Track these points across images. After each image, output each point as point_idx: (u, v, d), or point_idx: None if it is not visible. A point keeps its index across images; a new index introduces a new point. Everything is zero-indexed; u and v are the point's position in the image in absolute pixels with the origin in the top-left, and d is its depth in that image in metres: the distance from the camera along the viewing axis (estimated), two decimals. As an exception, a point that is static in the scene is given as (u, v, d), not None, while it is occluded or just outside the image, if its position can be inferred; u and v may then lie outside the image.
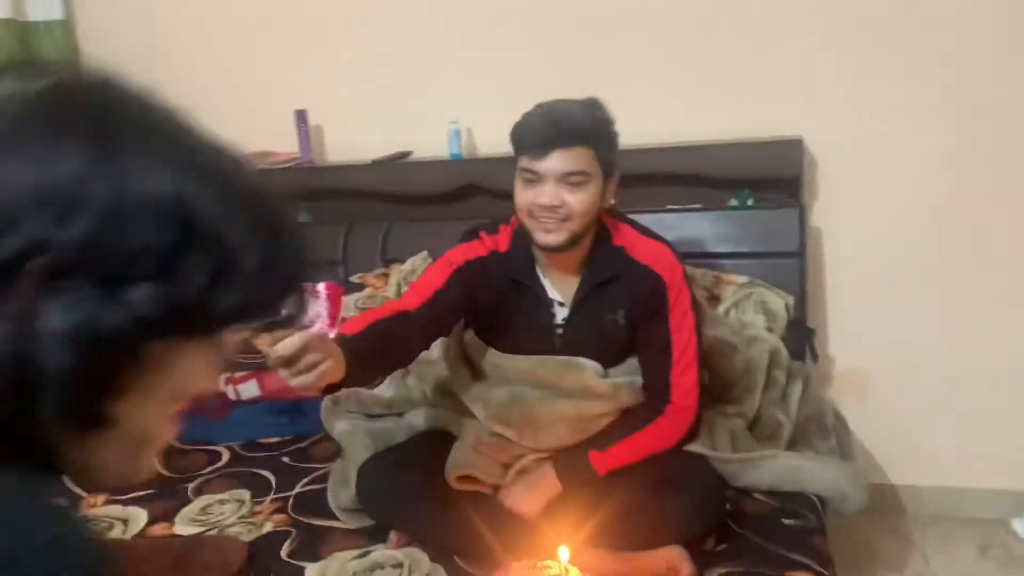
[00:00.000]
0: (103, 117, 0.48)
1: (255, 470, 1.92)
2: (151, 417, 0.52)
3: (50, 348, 0.44)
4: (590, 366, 1.67)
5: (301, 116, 2.58)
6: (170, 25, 2.68)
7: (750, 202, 2.33)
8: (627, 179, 2.37)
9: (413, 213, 2.58)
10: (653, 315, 1.63)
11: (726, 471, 1.64)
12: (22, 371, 0.44)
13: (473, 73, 2.53)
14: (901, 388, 2.41)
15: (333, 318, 2.27)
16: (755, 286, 2.17)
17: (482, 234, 1.69)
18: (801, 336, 2.19)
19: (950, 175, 2.27)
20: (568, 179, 1.51)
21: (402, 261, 2.48)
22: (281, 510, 1.74)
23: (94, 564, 0.40)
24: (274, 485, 1.85)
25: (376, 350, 1.45)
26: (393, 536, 1.58)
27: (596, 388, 1.66)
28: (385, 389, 1.96)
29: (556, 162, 1.50)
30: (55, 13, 2.74)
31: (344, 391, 1.87)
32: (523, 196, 1.55)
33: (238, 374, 2.09)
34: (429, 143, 2.53)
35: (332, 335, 1.47)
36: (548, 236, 1.55)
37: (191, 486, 1.85)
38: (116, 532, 1.68)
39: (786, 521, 1.58)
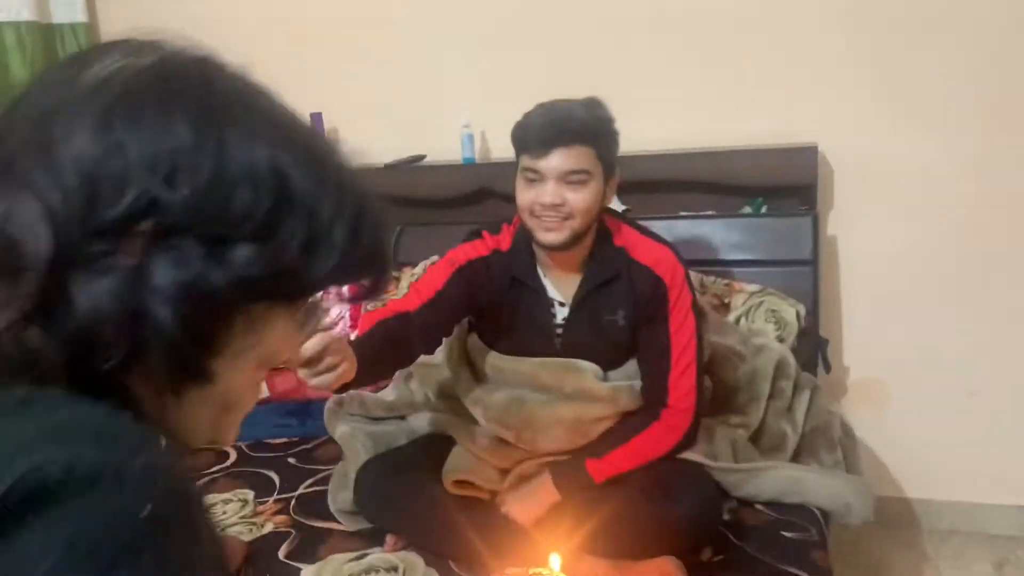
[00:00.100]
0: (206, 91, 0.51)
1: (260, 470, 1.94)
2: (241, 380, 0.55)
3: (159, 301, 0.46)
4: (589, 369, 1.66)
5: (316, 119, 2.60)
6: (191, 27, 2.68)
7: (764, 210, 2.31)
8: (640, 185, 2.39)
9: (425, 217, 2.59)
10: (653, 316, 1.62)
11: (726, 481, 1.63)
12: (132, 323, 0.46)
13: (486, 77, 2.54)
14: (917, 400, 2.37)
15: (354, 320, 2.29)
16: (766, 294, 2.14)
17: (485, 234, 1.70)
18: (813, 346, 2.16)
19: (968, 184, 2.22)
20: (569, 178, 1.51)
21: (414, 264, 2.48)
22: (283, 511, 1.76)
23: (184, 493, 0.42)
24: (278, 486, 1.86)
25: (380, 351, 1.46)
26: (389, 539, 1.58)
27: (595, 391, 1.65)
28: (388, 392, 1.97)
29: (557, 161, 1.51)
30: (78, 15, 2.79)
31: (347, 393, 1.89)
32: (524, 195, 1.56)
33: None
34: (442, 147, 2.54)
35: (352, 336, 1.49)
36: (549, 235, 1.55)
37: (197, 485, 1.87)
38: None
39: (786, 534, 1.56)
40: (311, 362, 1.24)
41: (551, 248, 1.57)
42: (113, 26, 2.81)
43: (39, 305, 0.45)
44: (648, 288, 1.61)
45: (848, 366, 2.43)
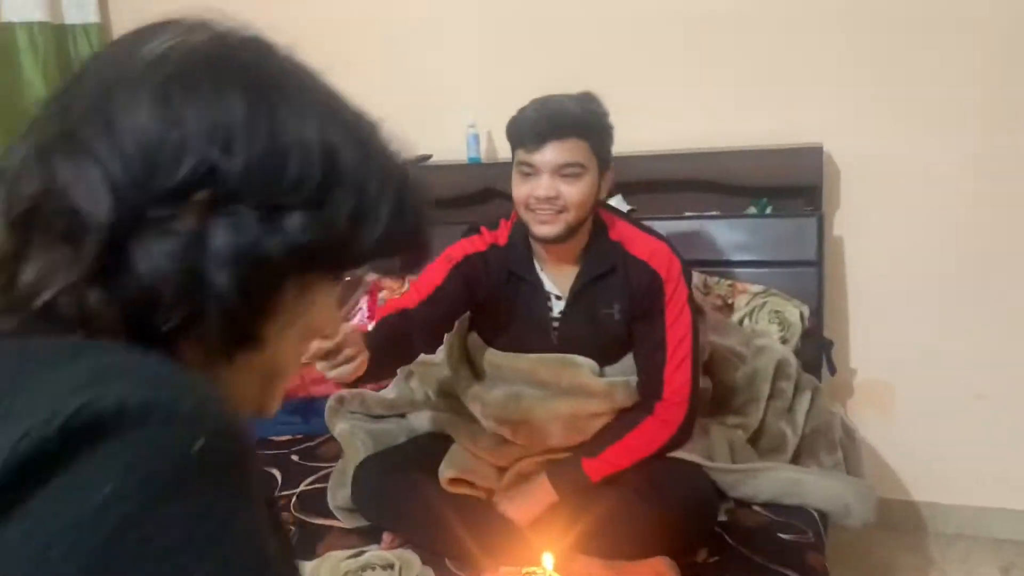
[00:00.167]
0: (257, 68, 0.53)
1: (264, 467, 1.95)
2: (287, 349, 0.57)
3: (217, 265, 0.48)
4: (586, 364, 1.67)
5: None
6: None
7: (768, 210, 2.30)
8: (645, 185, 2.39)
9: (431, 216, 2.59)
10: (649, 310, 1.62)
11: (723, 481, 1.62)
12: (191, 286, 0.48)
13: (492, 77, 2.54)
14: (923, 402, 2.35)
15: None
16: (770, 295, 2.14)
17: (483, 229, 1.71)
18: (818, 347, 2.15)
19: (976, 184, 2.21)
20: (563, 171, 1.53)
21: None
22: (284, 508, 1.77)
23: (236, 435, 0.43)
24: (280, 482, 1.88)
25: (383, 348, 1.48)
26: (386, 537, 1.59)
27: (591, 386, 1.66)
28: (388, 390, 1.98)
29: (551, 154, 1.52)
30: (91, 16, 2.83)
31: (349, 391, 1.90)
32: (520, 189, 1.57)
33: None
34: (448, 147, 2.54)
35: (369, 328, 1.51)
36: (544, 228, 1.56)
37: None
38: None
39: (782, 536, 1.55)
40: (330, 354, 1.26)
41: (547, 241, 1.58)
42: (125, 27, 2.79)
43: (101, 268, 0.47)
44: (644, 282, 1.61)
45: (855, 368, 2.42)
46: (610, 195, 2.28)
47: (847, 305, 2.39)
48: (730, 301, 2.17)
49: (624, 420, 1.64)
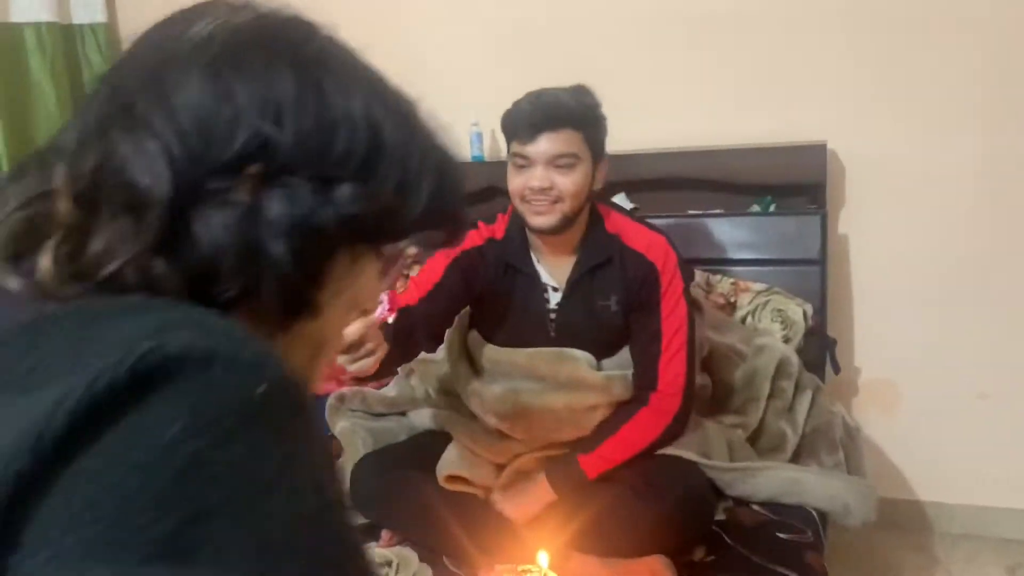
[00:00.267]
0: (303, 45, 0.55)
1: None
2: (335, 320, 0.58)
3: (273, 235, 0.50)
4: (583, 358, 1.67)
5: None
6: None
7: (772, 208, 2.29)
8: (648, 183, 2.38)
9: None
10: (646, 302, 1.63)
11: (720, 480, 1.62)
12: (249, 255, 0.49)
13: (495, 75, 2.54)
14: (928, 401, 2.34)
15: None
16: (772, 293, 2.13)
17: (480, 224, 1.72)
18: (821, 345, 2.14)
19: (981, 182, 2.19)
20: (557, 161, 1.54)
21: (421, 263, 2.50)
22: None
23: (296, 384, 0.44)
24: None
25: (395, 343, 1.48)
26: (385, 534, 1.60)
27: (588, 380, 1.66)
28: (389, 388, 1.98)
29: (545, 145, 1.53)
30: (98, 16, 2.84)
31: (349, 389, 1.91)
32: (515, 181, 1.58)
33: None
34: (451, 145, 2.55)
35: (390, 321, 1.53)
36: (540, 218, 1.57)
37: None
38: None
39: (781, 535, 1.55)
40: (352, 347, 1.27)
41: (542, 232, 1.59)
42: (133, 26, 2.80)
43: (163, 239, 0.48)
44: (640, 273, 1.62)
45: (859, 367, 2.40)
46: (613, 192, 2.29)
47: (851, 303, 2.38)
48: (733, 299, 2.16)
49: (620, 413, 1.64)
